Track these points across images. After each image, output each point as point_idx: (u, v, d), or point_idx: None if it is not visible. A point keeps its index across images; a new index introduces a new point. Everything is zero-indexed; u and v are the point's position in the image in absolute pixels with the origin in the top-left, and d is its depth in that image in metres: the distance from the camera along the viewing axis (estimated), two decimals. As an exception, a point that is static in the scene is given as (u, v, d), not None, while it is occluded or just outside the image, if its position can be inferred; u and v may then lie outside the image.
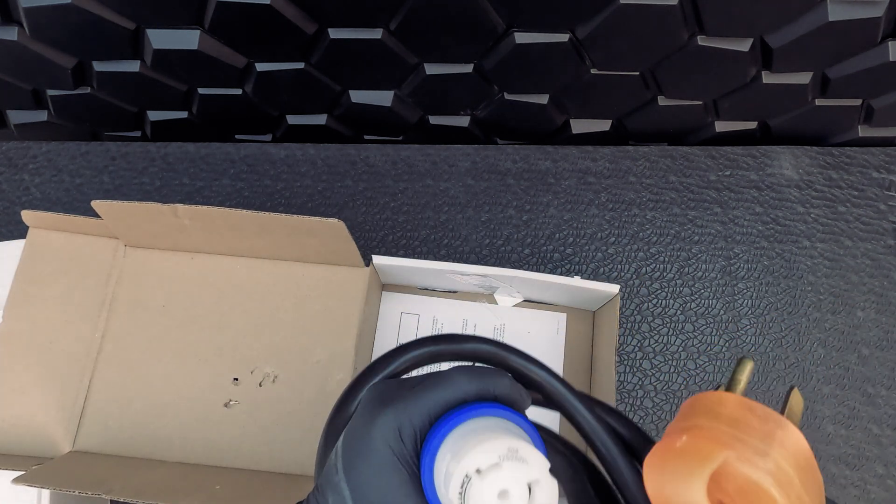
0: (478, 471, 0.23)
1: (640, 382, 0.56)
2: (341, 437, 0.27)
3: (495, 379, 0.27)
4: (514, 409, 0.27)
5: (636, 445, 0.31)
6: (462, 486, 0.23)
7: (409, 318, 0.56)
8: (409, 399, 0.26)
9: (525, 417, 0.27)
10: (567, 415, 0.31)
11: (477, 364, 0.29)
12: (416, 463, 0.26)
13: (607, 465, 0.30)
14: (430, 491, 0.25)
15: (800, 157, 0.64)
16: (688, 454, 0.24)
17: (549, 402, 0.32)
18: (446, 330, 0.55)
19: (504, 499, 0.23)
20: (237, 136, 0.71)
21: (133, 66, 0.58)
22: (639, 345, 0.57)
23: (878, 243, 0.60)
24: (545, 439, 0.33)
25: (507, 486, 0.23)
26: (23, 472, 0.42)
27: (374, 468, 0.25)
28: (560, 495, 0.29)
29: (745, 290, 0.59)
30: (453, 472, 0.23)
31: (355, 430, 0.27)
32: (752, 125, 0.66)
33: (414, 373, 0.31)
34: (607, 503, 0.32)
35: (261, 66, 0.59)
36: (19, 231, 0.62)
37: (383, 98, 0.63)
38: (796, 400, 0.26)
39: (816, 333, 0.58)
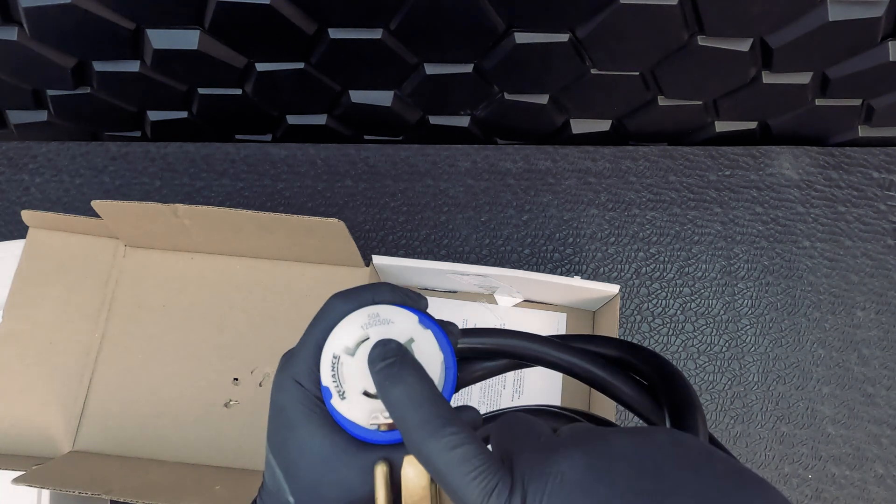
0: (347, 350, 0.22)
1: (640, 382, 0.56)
2: None
3: (373, 290, 0.26)
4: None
5: (622, 357, 0.31)
6: (333, 369, 0.22)
7: (409, 318, 0.56)
8: (297, 347, 0.26)
9: (414, 308, 0.25)
10: (540, 363, 0.31)
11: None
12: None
13: (598, 386, 0.30)
14: (333, 410, 0.24)
15: (800, 157, 0.64)
16: None
17: (522, 360, 0.32)
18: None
19: None
20: (237, 136, 0.71)
21: (133, 66, 0.58)
22: (639, 345, 0.57)
23: (878, 243, 0.60)
24: (560, 413, 0.34)
25: None
26: (23, 472, 0.42)
27: (285, 424, 0.25)
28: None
29: (745, 290, 0.59)
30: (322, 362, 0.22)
31: (270, 405, 0.26)
32: (752, 125, 0.66)
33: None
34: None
35: (261, 66, 0.59)
36: (19, 231, 0.62)
37: (383, 98, 0.63)
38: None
39: (816, 333, 0.58)
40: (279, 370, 0.26)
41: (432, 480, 0.23)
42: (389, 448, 0.24)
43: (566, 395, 0.53)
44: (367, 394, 0.23)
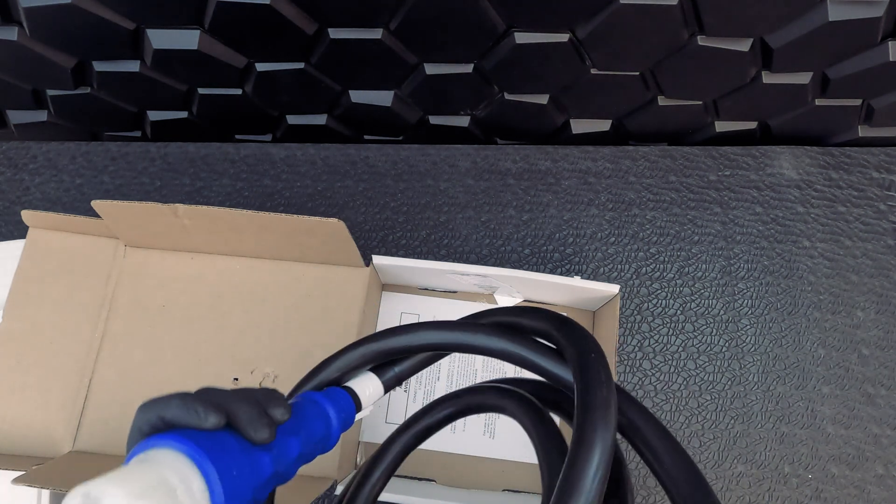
0: None
1: (640, 382, 0.56)
2: None
3: (163, 404, 0.25)
4: (193, 427, 0.24)
5: (529, 326, 0.32)
6: None
7: (409, 319, 0.56)
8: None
9: (200, 438, 0.24)
10: (467, 351, 0.33)
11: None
12: None
13: (515, 361, 0.31)
14: None
15: (800, 157, 0.64)
16: None
17: (463, 350, 0.33)
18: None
19: None
20: (237, 136, 0.71)
21: (133, 66, 0.58)
22: (639, 345, 0.57)
23: (878, 243, 0.60)
24: (492, 387, 0.35)
25: None
26: (23, 472, 0.42)
27: None
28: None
29: (745, 290, 0.59)
30: None
31: None
32: (752, 125, 0.66)
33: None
34: (571, 415, 0.32)
35: (261, 66, 0.59)
36: (19, 231, 0.62)
37: (383, 98, 0.63)
38: None
39: (816, 333, 0.58)
40: None
41: None
42: None
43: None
44: None
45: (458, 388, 0.38)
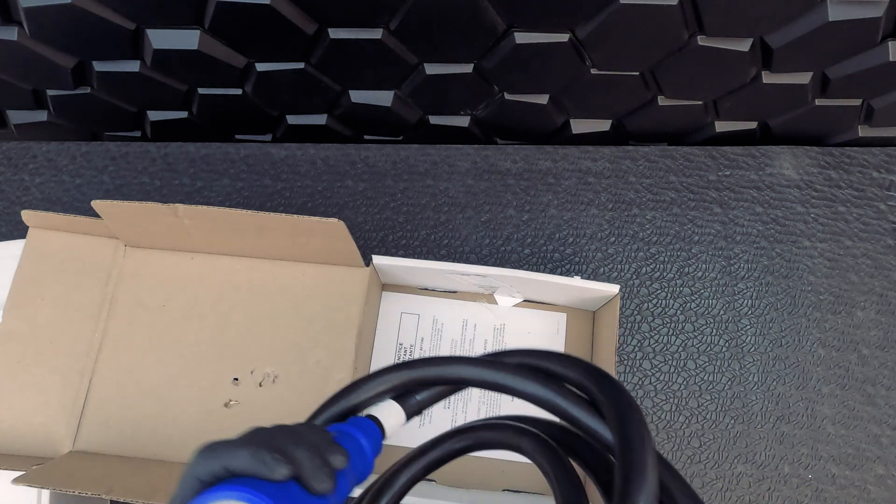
0: None
1: (640, 382, 0.56)
2: None
3: (229, 453, 0.25)
4: (261, 478, 0.25)
5: (562, 373, 0.31)
6: None
7: (409, 318, 0.56)
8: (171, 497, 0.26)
9: (267, 488, 0.24)
10: (500, 391, 0.32)
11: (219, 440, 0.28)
12: None
13: (548, 408, 0.31)
14: None
15: (800, 157, 0.64)
16: None
17: (450, 384, 0.33)
18: (446, 330, 0.55)
19: None
20: (237, 136, 0.71)
21: (133, 66, 0.58)
22: (639, 345, 0.57)
23: (878, 243, 0.60)
24: (508, 425, 0.34)
25: None
26: (23, 472, 0.42)
27: None
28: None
29: (745, 290, 0.59)
30: None
31: None
32: (752, 125, 0.66)
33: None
34: (589, 463, 0.32)
35: (261, 66, 0.59)
36: (19, 231, 0.62)
37: (383, 98, 0.63)
38: None
39: (816, 333, 0.58)
40: None
41: None
42: None
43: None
44: None
45: (472, 420, 0.37)
